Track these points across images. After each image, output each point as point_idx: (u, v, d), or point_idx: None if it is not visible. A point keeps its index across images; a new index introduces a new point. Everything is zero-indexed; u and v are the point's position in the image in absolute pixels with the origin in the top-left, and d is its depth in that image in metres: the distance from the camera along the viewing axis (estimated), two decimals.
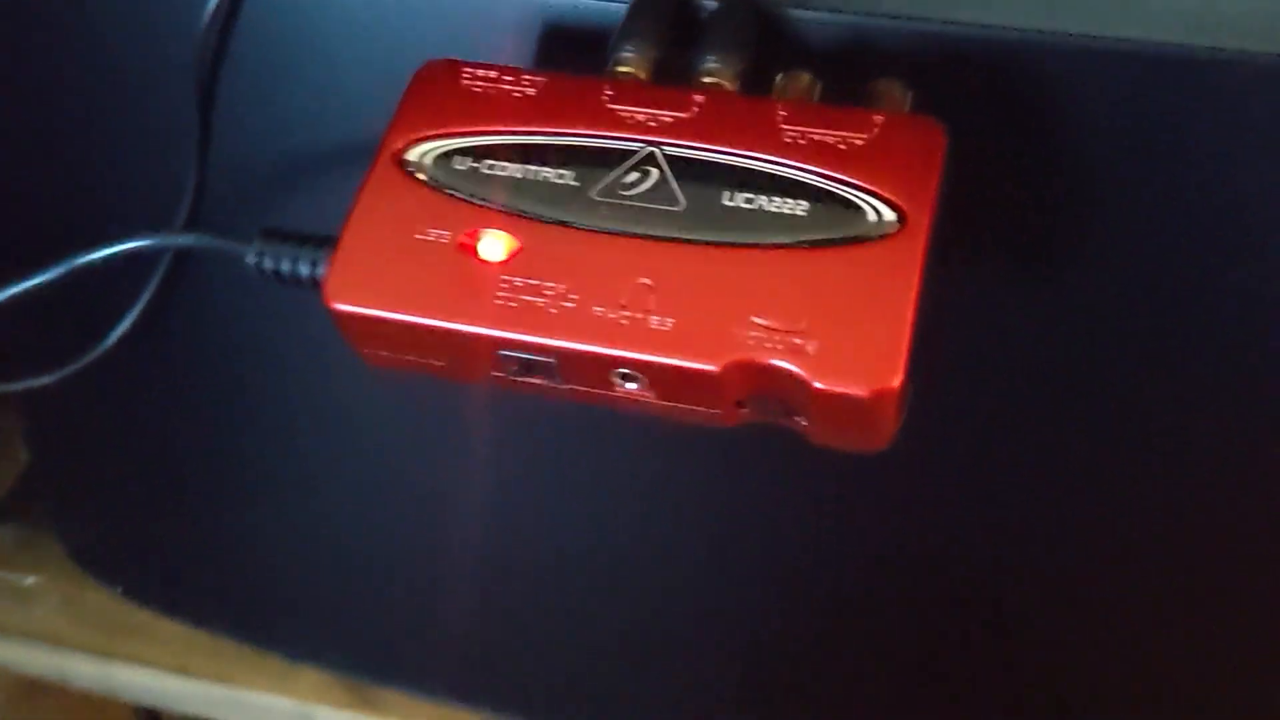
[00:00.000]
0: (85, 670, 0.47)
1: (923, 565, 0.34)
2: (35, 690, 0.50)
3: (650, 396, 0.22)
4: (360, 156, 0.28)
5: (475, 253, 0.23)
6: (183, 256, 0.35)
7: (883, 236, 0.22)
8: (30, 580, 0.48)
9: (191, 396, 0.40)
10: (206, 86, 0.30)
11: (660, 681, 0.41)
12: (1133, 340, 0.28)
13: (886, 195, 0.22)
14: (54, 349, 0.37)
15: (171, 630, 0.46)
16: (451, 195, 0.23)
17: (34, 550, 0.49)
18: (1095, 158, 0.26)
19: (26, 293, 0.28)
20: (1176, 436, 0.29)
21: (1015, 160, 0.26)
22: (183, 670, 0.46)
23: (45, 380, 0.35)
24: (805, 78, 0.25)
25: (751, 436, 0.25)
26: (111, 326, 0.36)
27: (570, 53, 0.27)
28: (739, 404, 0.23)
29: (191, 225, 0.33)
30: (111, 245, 0.27)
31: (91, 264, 0.27)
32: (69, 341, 0.37)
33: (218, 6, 0.29)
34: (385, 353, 0.24)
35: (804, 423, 0.22)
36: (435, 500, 0.40)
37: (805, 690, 0.39)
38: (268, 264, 0.25)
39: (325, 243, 0.25)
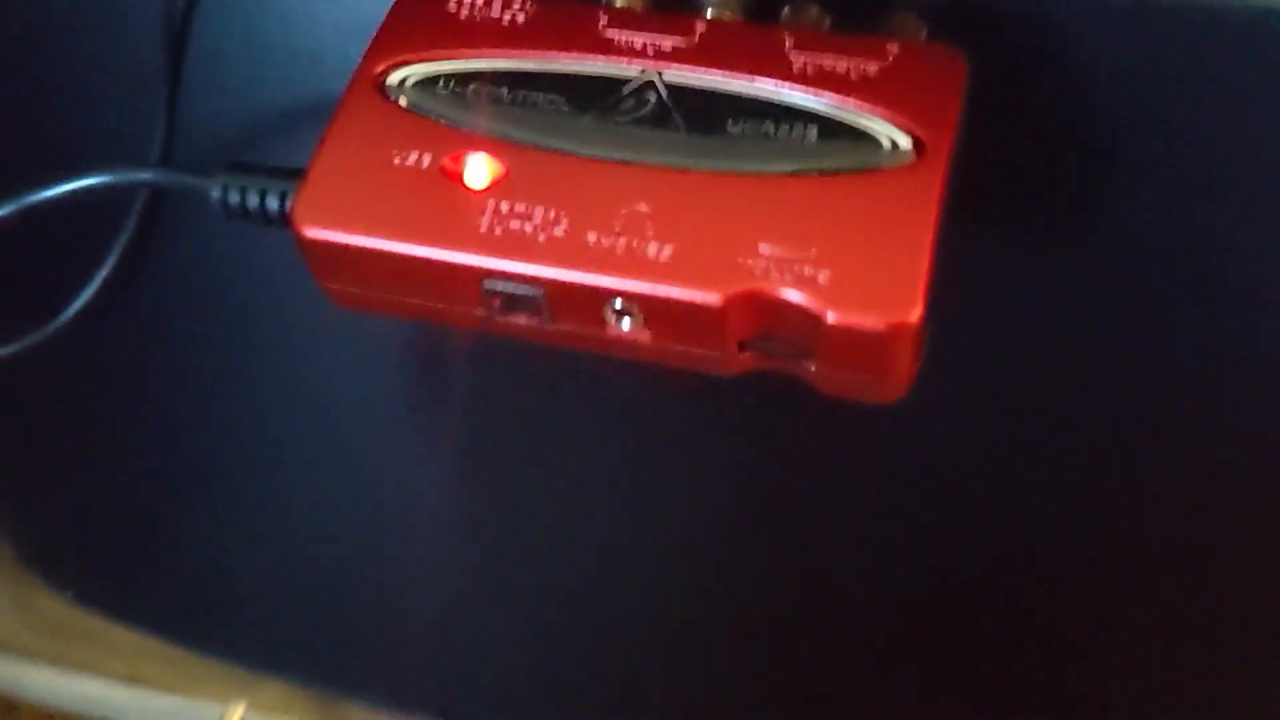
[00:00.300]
0: (33, 679, 0.45)
1: (928, 544, 0.32)
2: None
3: (646, 337, 0.21)
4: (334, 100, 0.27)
5: (458, 177, 0.21)
6: (145, 228, 0.33)
7: (899, 166, 0.21)
8: None
9: (149, 394, 0.39)
10: (177, 28, 0.29)
11: (632, 693, 0.39)
12: (1143, 295, 0.27)
13: (903, 123, 0.21)
14: (4, 325, 0.36)
15: (125, 638, 0.44)
16: (434, 119, 0.22)
17: None
18: (1110, 101, 0.25)
19: None
20: (1192, 395, 0.28)
21: (1030, 104, 0.25)
22: (136, 680, 0.44)
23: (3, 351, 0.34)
24: (813, 10, 0.24)
25: (736, 435, 0.24)
26: (66, 305, 0.35)
27: None
28: (741, 345, 0.21)
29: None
30: (69, 181, 0.26)
31: (47, 201, 0.26)
32: (20, 319, 0.35)
33: None
34: (356, 289, 0.22)
35: (812, 367, 0.21)
36: (401, 509, 0.38)
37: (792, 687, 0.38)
38: (233, 198, 0.23)
39: (295, 174, 0.23)
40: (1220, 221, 0.26)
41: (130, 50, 0.31)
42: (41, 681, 0.45)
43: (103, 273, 0.34)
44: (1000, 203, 0.26)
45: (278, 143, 0.30)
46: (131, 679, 0.44)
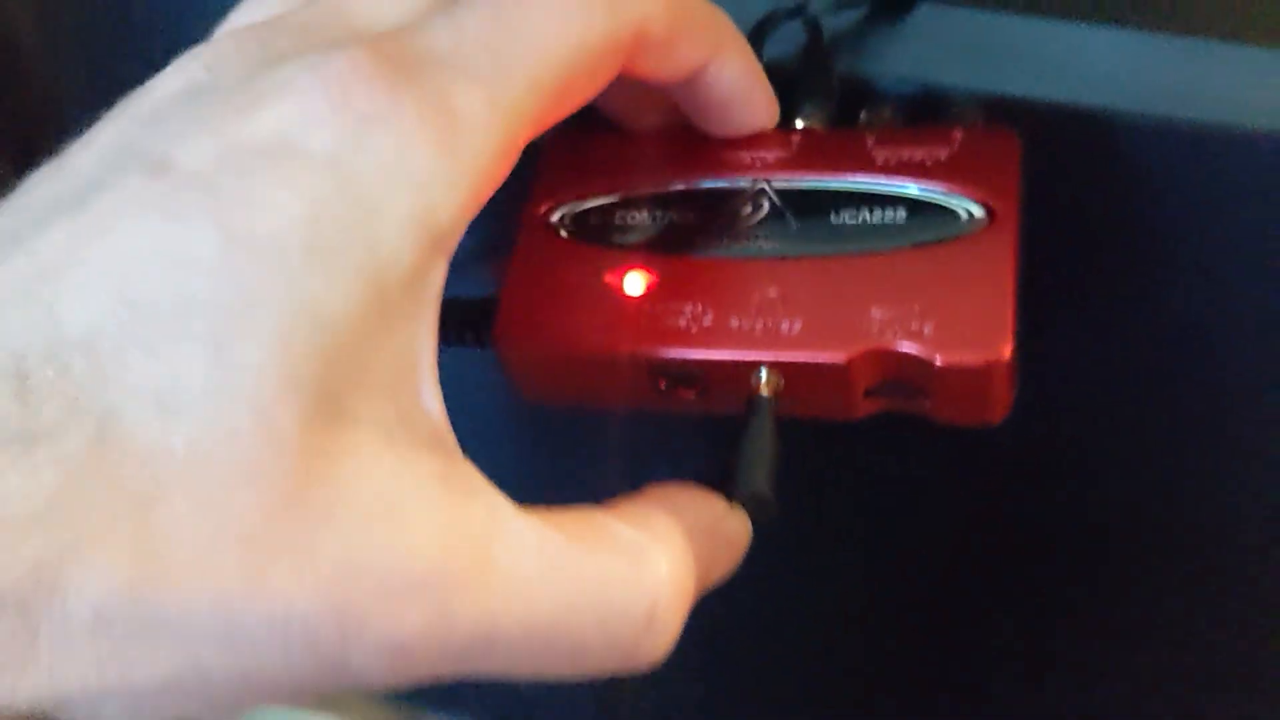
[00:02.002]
0: None
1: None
2: None
3: (789, 397, 0.27)
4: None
5: (620, 289, 0.27)
6: None
7: (976, 232, 0.27)
8: None
9: None
10: None
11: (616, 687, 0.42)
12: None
13: (975, 195, 0.27)
14: None
15: None
16: (592, 245, 0.28)
17: None
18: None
19: None
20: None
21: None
22: None
23: None
24: (886, 110, 0.30)
25: None
26: None
27: None
28: (866, 393, 0.27)
29: None
30: None
31: None
32: None
33: None
34: (549, 389, 0.28)
35: (927, 403, 0.26)
36: None
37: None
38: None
39: (489, 303, 0.29)
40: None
41: None
42: None
43: None
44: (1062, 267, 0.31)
45: None
46: None
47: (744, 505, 0.26)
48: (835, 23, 0.32)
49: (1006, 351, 0.25)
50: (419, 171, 0.21)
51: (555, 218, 0.29)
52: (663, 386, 0.27)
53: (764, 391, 0.26)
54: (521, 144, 0.23)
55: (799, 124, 0.29)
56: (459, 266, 0.35)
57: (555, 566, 0.22)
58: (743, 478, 0.26)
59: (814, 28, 0.33)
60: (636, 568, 0.23)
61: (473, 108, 0.22)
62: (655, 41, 0.25)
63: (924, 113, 0.30)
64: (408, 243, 0.21)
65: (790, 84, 0.31)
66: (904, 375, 0.26)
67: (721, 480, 0.26)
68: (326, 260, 0.20)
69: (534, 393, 0.28)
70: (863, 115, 0.30)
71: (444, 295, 0.30)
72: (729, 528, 0.26)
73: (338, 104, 0.21)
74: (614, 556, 0.23)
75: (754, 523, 0.27)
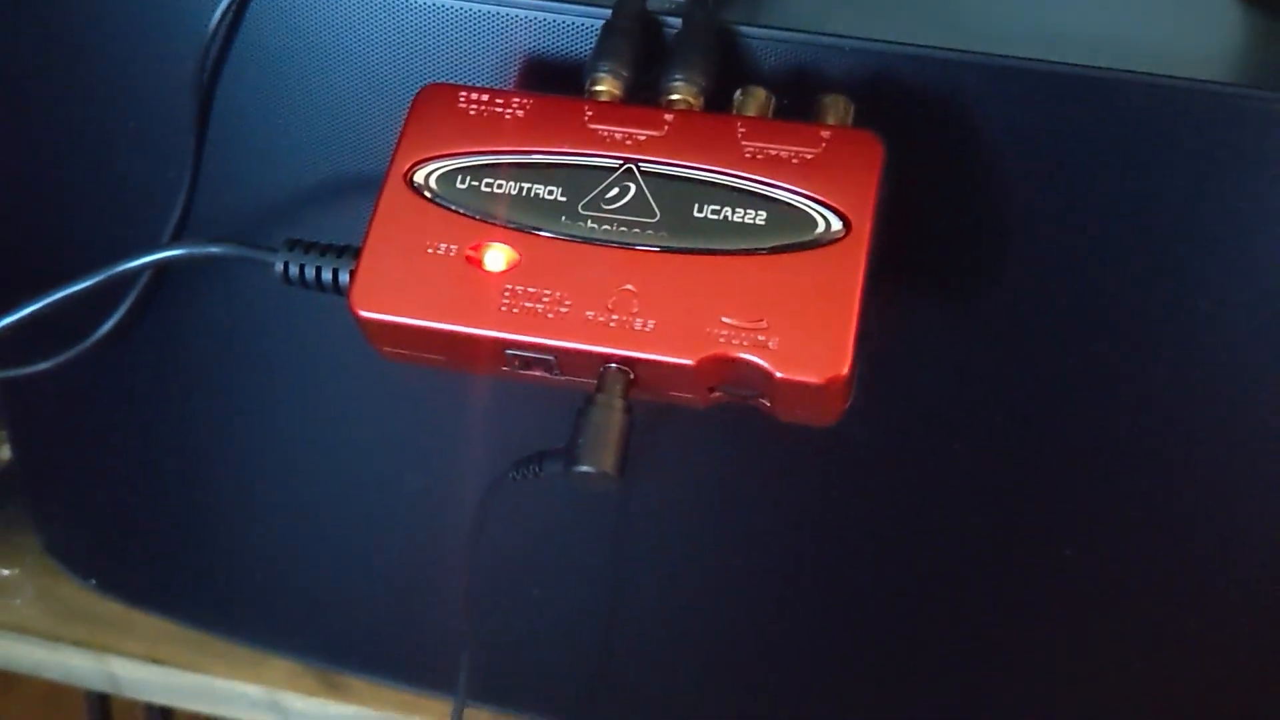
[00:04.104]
0: (59, 660, 0.52)
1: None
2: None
3: (637, 385, 0.29)
4: (346, 168, 0.34)
5: (480, 264, 0.29)
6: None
7: (830, 241, 0.29)
8: (6, 573, 0.53)
9: (164, 406, 0.46)
10: (204, 106, 0.36)
11: (623, 670, 0.46)
12: (1048, 335, 0.35)
13: (833, 204, 0.29)
14: (38, 347, 0.43)
15: (143, 621, 0.52)
16: (456, 211, 0.30)
17: (10, 545, 0.54)
18: (1009, 164, 0.33)
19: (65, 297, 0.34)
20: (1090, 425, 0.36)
21: (943, 164, 0.33)
22: (154, 660, 0.51)
23: (42, 366, 0.41)
24: (761, 93, 0.31)
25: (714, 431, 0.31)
26: (89, 327, 0.42)
27: (551, 70, 0.34)
28: (711, 389, 0.29)
29: (179, 232, 0.39)
30: (149, 254, 0.33)
31: (129, 271, 0.33)
32: (51, 343, 0.43)
33: (217, 29, 0.35)
34: (403, 351, 0.30)
35: (767, 404, 0.29)
36: (399, 494, 0.45)
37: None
38: (294, 271, 0.31)
39: (346, 251, 0.31)
40: (1112, 276, 0.33)
41: (161, 119, 0.38)
42: (67, 662, 0.52)
43: (122, 307, 0.41)
44: (922, 260, 0.34)
45: (292, 206, 0.37)
46: (150, 659, 0.52)
47: (584, 479, 0.29)
48: None
49: (843, 370, 0.27)
50: None
51: (419, 177, 0.30)
52: (516, 364, 0.29)
53: (613, 379, 0.29)
54: None
55: (674, 98, 0.31)
56: (325, 208, 0.37)
57: None
58: (586, 452, 0.28)
59: None
60: None
61: None
62: None
63: (798, 99, 0.32)
64: None
65: (671, 49, 0.32)
66: (747, 380, 0.28)
67: (567, 450, 0.29)
68: None
69: (390, 354, 0.30)
70: (737, 95, 0.32)
71: (305, 239, 0.32)
72: None
73: None
74: None
75: (595, 494, 0.30)
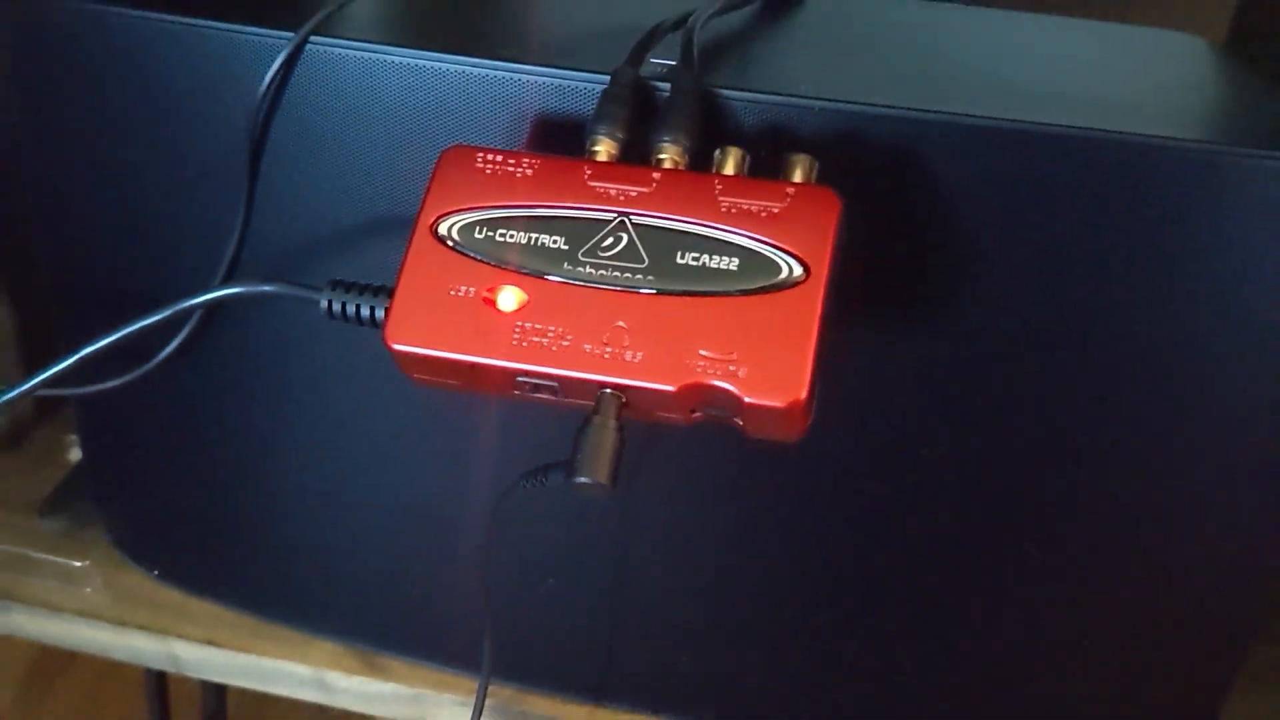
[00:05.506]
0: (126, 642, 0.56)
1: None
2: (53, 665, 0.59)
3: (628, 407, 0.35)
4: (378, 214, 0.39)
5: (495, 304, 0.35)
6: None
7: (793, 285, 0.34)
8: (77, 564, 0.58)
9: (217, 414, 0.50)
10: (254, 159, 0.42)
11: (631, 651, 0.50)
12: (996, 365, 0.40)
13: (795, 253, 0.34)
14: (107, 367, 0.48)
15: (201, 608, 0.56)
16: (474, 258, 0.35)
17: (81, 539, 0.60)
18: (967, 215, 0.38)
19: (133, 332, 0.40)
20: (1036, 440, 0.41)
21: (902, 213, 0.38)
22: (211, 642, 0.56)
23: (112, 384, 0.46)
24: (736, 152, 0.37)
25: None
26: (152, 349, 0.47)
27: (558, 126, 0.39)
28: (692, 410, 0.35)
29: (232, 270, 0.44)
30: (210, 293, 0.39)
31: (193, 309, 0.39)
32: (120, 363, 0.48)
33: (266, 91, 0.41)
34: (429, 377, 0.36)
35: (740, 423, 0.35)
36: (427, 498, 0.49)
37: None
38: (336, 308, 0.37)
39: (381, 291, 0.37)
40: (1050, 309, 0.38)
41: (213, 173, 0.43)
42: (133, 644, 0.56)
43: (183, 333, 0.47)
44: (881, 294, 0.39)
45: (334, 251, 0.43)
46: (207, 641, 0.56)
47: (582, 488, 0.34)
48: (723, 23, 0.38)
49: (802, 395, 0.33)
50: None
51: (443, 228, 0.36)
52: (526, 389, 0.35)
53: (608, 402, 0.34)
54: None
55: (661, 157, 0.37)
56: (359, 249, 0.43)
57: None
58: (583, 464, 0.34)
59: (687, 49, 0.40)
60: None
61: None
62: None
63: (769, 157, 0.37)
64: None
65: (660, 111, 0.38)
66: (721, 403, 0.34)
67: (568, 463, 0.34)
68: None
69: (419, 380, 0.36)
70: (716, 154, 0.37)
71: (343, 279, 0.38)
72: None
73: None
74: None
75: (593, 499, 0.35)
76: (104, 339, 0.40)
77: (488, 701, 0.49)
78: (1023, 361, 0.40)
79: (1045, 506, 0.43)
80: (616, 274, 0.35)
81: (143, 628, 0.56)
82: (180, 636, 0.56)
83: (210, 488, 0.53)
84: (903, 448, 0.42)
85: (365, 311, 0.37)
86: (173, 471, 0.53)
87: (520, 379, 0.34)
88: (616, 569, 0.49)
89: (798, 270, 0.34)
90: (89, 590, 0.58)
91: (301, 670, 0.55)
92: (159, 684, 0.65)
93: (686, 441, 0.43)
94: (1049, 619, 0.45)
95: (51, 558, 0.59)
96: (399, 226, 0.37)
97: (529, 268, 0.35)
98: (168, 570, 0.57)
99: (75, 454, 0.63)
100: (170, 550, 0.57)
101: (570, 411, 0.35)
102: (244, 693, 0.60)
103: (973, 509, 0.43)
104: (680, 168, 0.37)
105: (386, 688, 0.55)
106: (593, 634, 0.51)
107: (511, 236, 0.35)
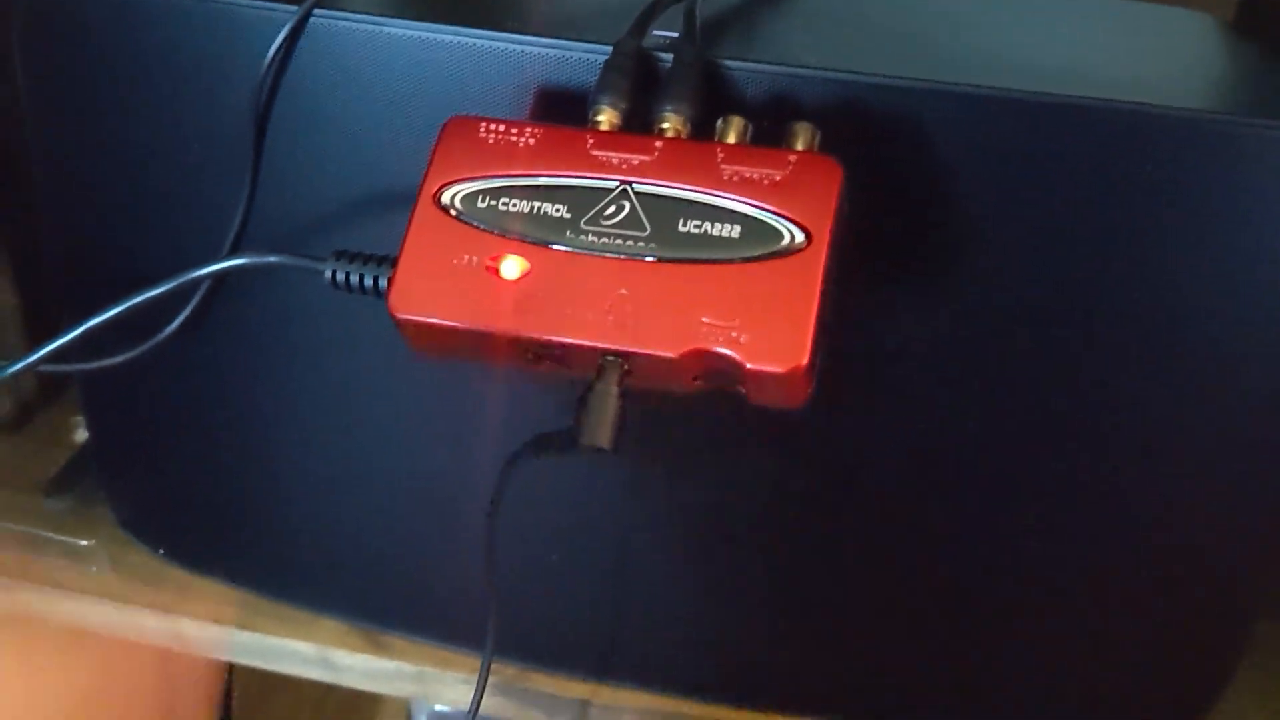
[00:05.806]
0: (132, 620, 0.57)
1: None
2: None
3: (630, 374, 0.35)
4: (382, 186, 0.40)
5: (498, 273, 0.35)
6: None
7: (794, 251, 0.34)
8: (84, 544, 0.59)
9: (222, 391, 0.51)
10: (259, 132, 0.42)
11: (632, 630, 0.51)
12: (994, 342, 0.40)
13: (797, 219, 0.34)
14: (111, 342, 0.48)
15: (206, 586, 0.57)
16: (477, 227, 0.35)
17: (87, 519, 0.60)
18: (970, 186, 0.38)
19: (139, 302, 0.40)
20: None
21: (905, 183, 0.38)
22: (216, 620, 0.56)
23: (117, 360, 0.47)
24: (739, 121, 0.37)
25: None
26: (157, 324, 0.47)
27: (561, 98, 0.40)
28: (694, 378, 0.35)
29: (238, 242, 0.44)
30: (216, 263, 0.40)
31: (200, 279, 0.39)
32: (125, 339, 0.48)
33: (271, 64, 0.41)
34: (434, 347, 0.36)
35: (742, 389, 0.35)
36: (430, 474, 0.49)
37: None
38: (340, 277, 0.37)
39: (384, 261, 0.37)
40: (1052, 285, 0.38)
41: (219, 147, 0.43)
42: (139, 622, 0.57)
43: (188, 308, 0.47)
44: (883, 263, 0.39)
45: (337, 220, 0.43)
46: (213, 620, 0.56)
47: (585, 451, 0.34)
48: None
49: (803, 361, 0.33)
50: None
51: (446, 197, 0.36)
52: (529, 357, 0.35)
53: (610, 369, 0.34)
54: None
55: (664, 126, 0.37)
56: (363, 220, 0.43)
57: None
58: (586, 430, 0.34)
59: (689, 21, 0.40)
60: None
61: None
62: None
63: (772, 125, 0.37)
64: None
65: (663, 81, 0.38)
66: (723, 370, 0.34)
67: (572, 429, 0.35)
68: None
69: (422, 350, 0.36)
70: (719, 123, 0.37)
71: (347, 249, 0.38)
72: None
73: None
74: None
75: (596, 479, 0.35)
76: (108, 310, 0.40)
77: (490, 679, 0.50)
78: (1021, 339, 0.40)
79: (1044, 489, 0.43)
80: (619, 242, 0.35)
81: (148, 606, 0.57)
82: (186, 615, 0.57)
83: (215, 466, 0.53)
84: (902, 426, 0.43)
85: (369, 281, 0.37)
86: (178, 450, 0.54)
87: (524, 346, 0.34)
88: (620, 547, 0.49)
89: (799, 237, 0.34)
90: (95, 569, 0.58)
91: (306, 648, 0.56)
92: None
93: (690, 421, 0.43)
94: (1047, 602, 0.45)
95: (58, 537, 0.59)
96: (403, 198, 0.38)
97: (532, 236, 0.35)
98: (173, 549, 0.58)
99: (81, 435, 0.64)
100: (175, 529, 0.57)
101: (574, 384, 0.35)
102: (250, 671, 0.60)
103: (971, 490, 0.43)
104: (682, 137, 0.37)
105: (390, 665, 0.55)
106: (595, 612, 0.51)
107: (514, 205, 0.36)
